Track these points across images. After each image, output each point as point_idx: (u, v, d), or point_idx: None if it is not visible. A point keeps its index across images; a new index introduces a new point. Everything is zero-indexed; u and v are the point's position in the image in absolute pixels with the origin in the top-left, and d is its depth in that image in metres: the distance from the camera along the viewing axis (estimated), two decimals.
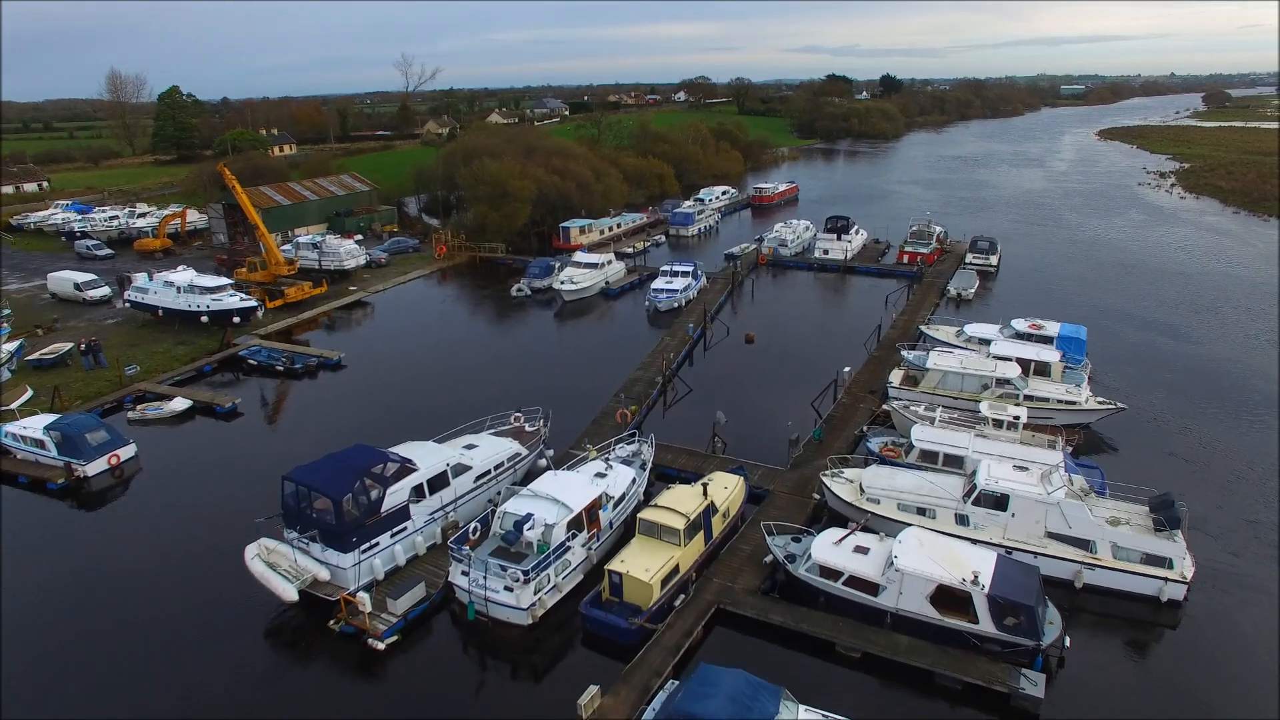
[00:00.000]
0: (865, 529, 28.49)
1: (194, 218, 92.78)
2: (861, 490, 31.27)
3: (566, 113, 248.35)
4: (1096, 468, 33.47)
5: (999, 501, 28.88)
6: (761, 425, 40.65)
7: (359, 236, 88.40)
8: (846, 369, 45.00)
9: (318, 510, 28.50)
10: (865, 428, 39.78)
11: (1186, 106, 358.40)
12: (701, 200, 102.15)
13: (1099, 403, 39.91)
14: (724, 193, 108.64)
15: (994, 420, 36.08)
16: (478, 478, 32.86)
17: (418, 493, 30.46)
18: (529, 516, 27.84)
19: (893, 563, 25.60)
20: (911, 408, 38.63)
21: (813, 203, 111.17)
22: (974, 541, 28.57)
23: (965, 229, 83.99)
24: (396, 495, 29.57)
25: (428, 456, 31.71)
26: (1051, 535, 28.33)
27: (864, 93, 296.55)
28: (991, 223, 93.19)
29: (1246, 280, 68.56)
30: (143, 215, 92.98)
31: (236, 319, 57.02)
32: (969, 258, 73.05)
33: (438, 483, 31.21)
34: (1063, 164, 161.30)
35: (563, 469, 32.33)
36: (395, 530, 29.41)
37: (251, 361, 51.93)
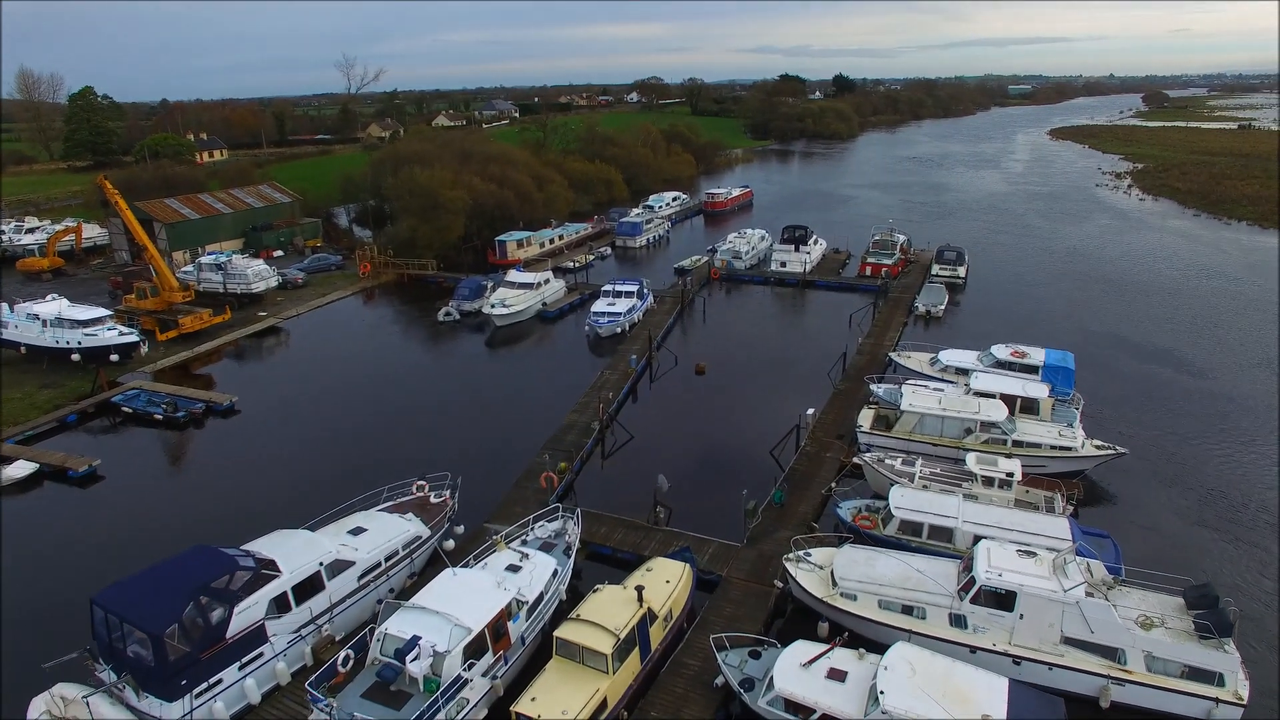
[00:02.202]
0: (844, 643, 22.77)
1: (95, 233, 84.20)
2: (833, 581, 25.58)
3: (516, 114, 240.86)
4: (1108, 536, 28.20)
5: (1003, 600, 23.38)
6: (713, 485, 34.84)
7: (279, 252, 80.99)
8: (810, 410, 39.34)
9: (135, 644, 21.85)
10: (834, 484, 34.20)
11: (1128, 106, 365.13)
12: (650, 207, 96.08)
13: (1097, 447, 34.91)
14: (674, 199, 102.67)
15: (984, 478, 30.87)
16: (363, 575, 26.46)
17: (280, 605, 23.95)
18: (414, 641, 21.58)
19: (878, 700, 19.90)
20: (887, 461, 33.15)
21: (767, 208, 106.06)
22: (973, 649, 23.24)
23: (928, 237, 79.40)
24: (249, 612, 23.05)
25: (296, 553, 25.24)
26: (1069, 641, 22.93)
27: (817, 93, 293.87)
28: (955, 229, 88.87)
29: (1239, 296, 63.53)
30: (31, 231, 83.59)
31: (114, 356, 49.70)
32: (935, 269, 68.23)
33: (308, 588, 24.75)
34: (1019, 165, 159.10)
35: (463, 563, 26.07)
36: (246, 660, 22.91)
37: (127, 409, 44.64)
